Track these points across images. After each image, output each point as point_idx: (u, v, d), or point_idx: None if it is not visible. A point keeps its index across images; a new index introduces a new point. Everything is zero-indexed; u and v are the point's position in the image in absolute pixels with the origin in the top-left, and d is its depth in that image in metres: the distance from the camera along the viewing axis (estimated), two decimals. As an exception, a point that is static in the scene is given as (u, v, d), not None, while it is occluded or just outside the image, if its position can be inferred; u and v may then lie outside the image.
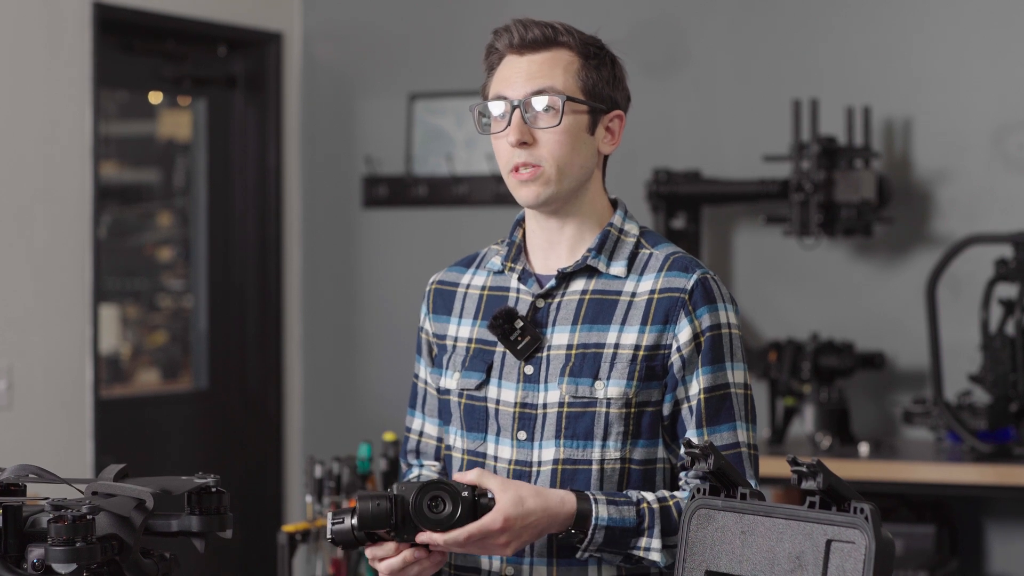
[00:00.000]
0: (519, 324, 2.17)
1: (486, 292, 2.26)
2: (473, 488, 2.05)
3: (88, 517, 1.71)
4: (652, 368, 2.14)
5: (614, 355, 2.14)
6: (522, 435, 2.18)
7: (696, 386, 2.14)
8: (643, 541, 2.09)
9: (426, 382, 2.32)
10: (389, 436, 3.68)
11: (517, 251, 2.25)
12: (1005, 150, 4.66)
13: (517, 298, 2.22)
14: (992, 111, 4.68)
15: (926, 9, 4.77)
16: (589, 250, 2.19)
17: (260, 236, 5.48)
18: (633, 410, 2.14)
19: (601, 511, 2.07)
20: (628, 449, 2.15)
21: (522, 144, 2.16)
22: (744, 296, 4.91)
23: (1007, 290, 4.46)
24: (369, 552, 2.09)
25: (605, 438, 2.14)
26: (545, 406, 2.16)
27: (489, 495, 2.05)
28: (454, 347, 2.26)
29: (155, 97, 5.42)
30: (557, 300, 2.20)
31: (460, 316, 2.27)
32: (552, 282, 2.20)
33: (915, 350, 4.68)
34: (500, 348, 2.20)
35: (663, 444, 2.17)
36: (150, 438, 5.17)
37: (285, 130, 5.50)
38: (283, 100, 5.49)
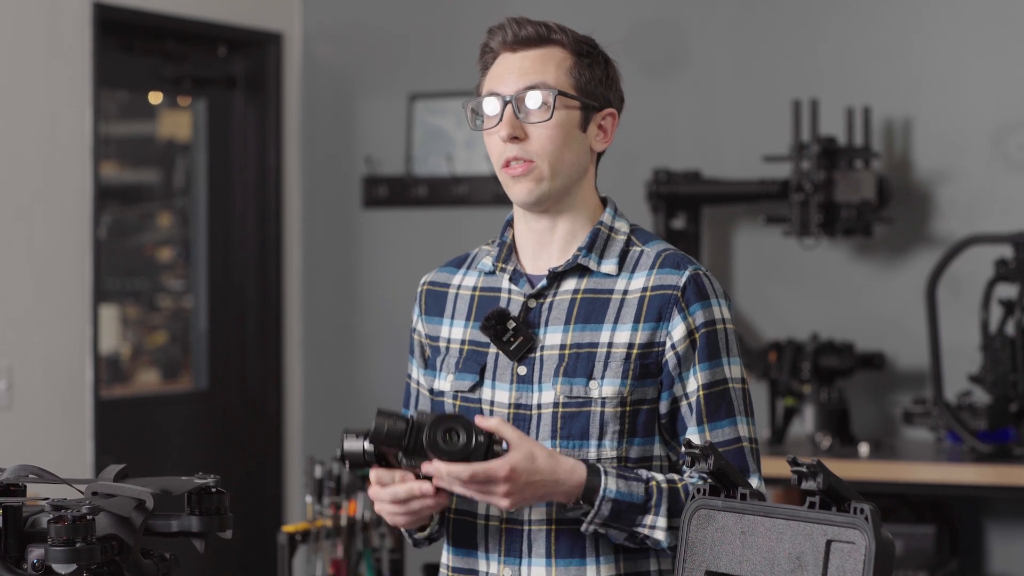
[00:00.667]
0: (511, 325, 2.17)
1: (477, 293, 2.26)
2: (491, 435, 2.04)
3: (88, 517, 1.71)
4: (646, 366, 2.14)
5: (608, 354, 2.14)
6: (517, 436, 2.18)
7: (694, 383, 2.15)
8: (649, 519, 2.09)
9: (419, 383, 2.32)
10: (389, 436, 3.67)
11: (508, 251, 2.24)
12: (1005, 150, 4.66)
13: (509, 299, 2.22)
14: (992, 111, 4.68)
15: (926, 9, 4.77)
16: (580, 249, 2.19)
17: (260, 236, 5.48)
18: (628, 409, 2.14)
19: (610, 483, 2.07)
20: (624, 448, 2.15)
21: (513, 139, 2.16)
22: (744, 296, 4.91)
23: (1007, 290, 4.46)
24: (374, 475, 2.08)
25: (601, 437, 2.14)
26: (539, 407, 2.16)
27: (504, 445, 2.05)
28: (447, 349, 2.26)
29: (155, 97, 5.42)
30: (549, 300, 2.20)
31: (452, 317, 2.27)
32: (543, 282, 2.20)
33: (915, 350, 4.68)
34: (493, 349, 2.20)
35: (660, 441, 2.17)
36: (150, 438, 5.17)
37: (285, 130, 5.50)
38: (283, 100, 5.49)
